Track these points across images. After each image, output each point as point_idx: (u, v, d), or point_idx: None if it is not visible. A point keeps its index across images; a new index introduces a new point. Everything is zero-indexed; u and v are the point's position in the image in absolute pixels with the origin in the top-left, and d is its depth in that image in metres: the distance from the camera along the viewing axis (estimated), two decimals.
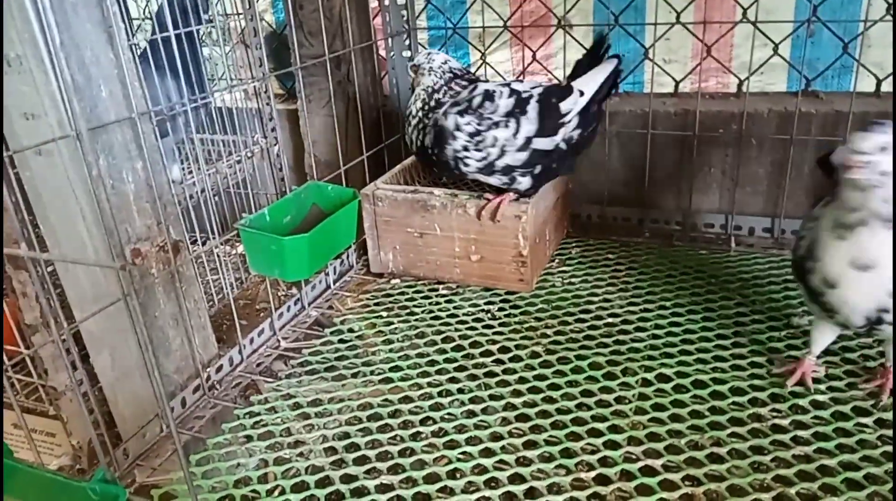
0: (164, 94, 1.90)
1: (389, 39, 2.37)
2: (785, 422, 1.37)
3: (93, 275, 1.37)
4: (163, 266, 1.45)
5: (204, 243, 1.86)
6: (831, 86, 2.17)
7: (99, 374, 1.50)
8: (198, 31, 1.97)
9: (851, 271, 1.22)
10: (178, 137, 2.01)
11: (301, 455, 1.38)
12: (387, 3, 2.32)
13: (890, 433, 1.33)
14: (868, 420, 1.36)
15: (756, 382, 1.49)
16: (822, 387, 1.46)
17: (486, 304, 1.89)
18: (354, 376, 1.62)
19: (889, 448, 1.29)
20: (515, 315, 1.82)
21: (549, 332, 1.73)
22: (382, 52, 2.48)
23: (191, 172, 1.96)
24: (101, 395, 1.51)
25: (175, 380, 1.53)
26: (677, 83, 2.29)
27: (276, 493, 1.29)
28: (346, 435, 1.42)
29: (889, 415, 1.37)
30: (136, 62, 1.46)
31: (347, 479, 1.31)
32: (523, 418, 1.44)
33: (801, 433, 1.34)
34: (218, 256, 2.07)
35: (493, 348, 1.68)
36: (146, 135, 1.39)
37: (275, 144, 1.96)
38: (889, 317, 1.23)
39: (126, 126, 1.36)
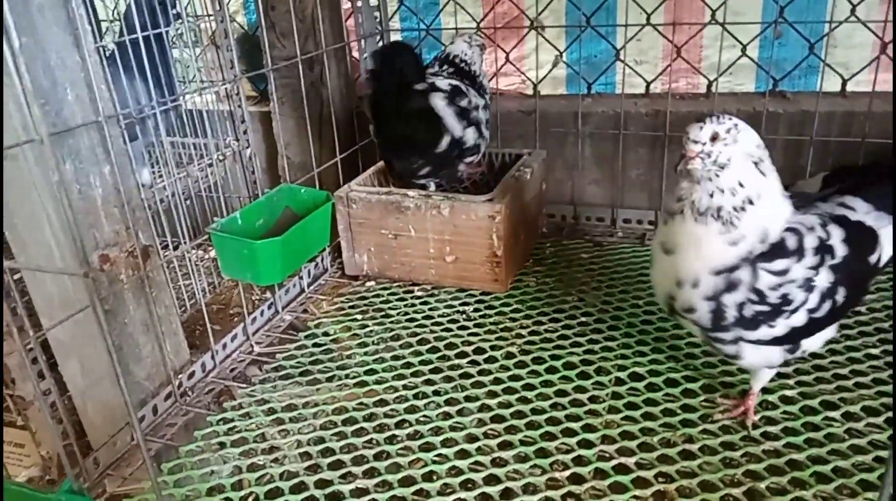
0: (133, 96, 1.88)
1: (362, 41, 2.36)
2: (755, 418, 1.39)
3: (60, 282, 1.35)
4: (132, 272, 1.43)
5: (176, 248, 1.83)
6: (798, 86, 2.21)
7: (68, 382, 1.47)
8: (166, 32, 1.95)
9: (660, 252, 1.27)
10: (148, 141, 1.99)
11: (275, 460, 1.37)
12: (359, 4, 2.32)
13: (858, 426, 1.36)
14: (836, 414, 1.39)
15: (727, 379, 1.51)
16: (791, 382, 1.48)
17: (460, 305, 1.89)
18: (329, 380, 1.61)
19: (856, 441, 1.32)
20: (490, 316, 1.83)
21: (523, 332, 1.74)
22: (356, 54, 2.47)
23: (161, 176, 1.93)
24: (70, 403, 1.49)
25: (146, 387, 1.51)
26: (648, 84, 2.31)
27: (250, 500, 1.28)
28: (321, 440, 1.41)
29: (857, 408, 1.40)
30: (103, 65, 1.44)
31: (322, 484, 1.30)
32: (498, 419, 1.44)
33: (770, 428, 1.36)
34: (191, 260, 2.05)
35: (469, 349, 1.68)
36: (114, 139, 1.37)
37: (247, 147, 1.94)
38: (678, 305, 1.25)
39: (93, 130, 1.34)
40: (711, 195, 1.17)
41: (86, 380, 1.45)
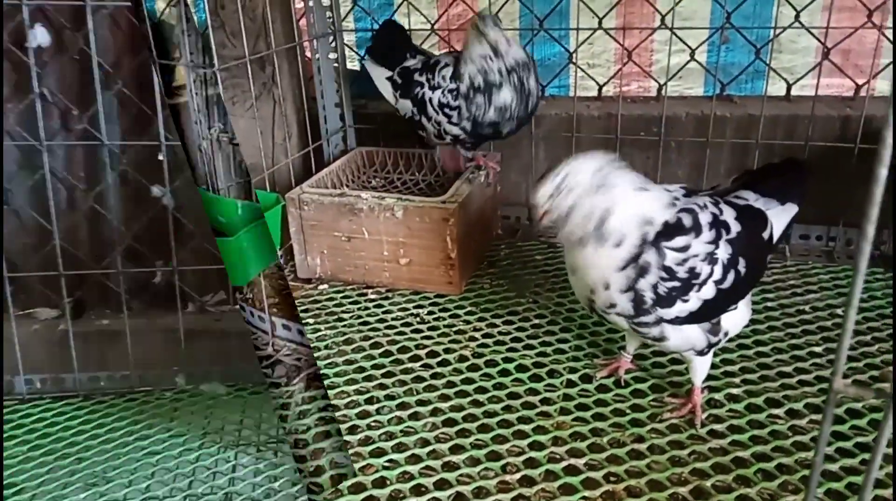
0: None
1: (315, 41, 2.33)
2: (703, 416, 1.41)
3: None
4: None
5: None
6: (745, 90, 2.26)
7: None
8: None
9: (569, 270, 1.36)
10: None
11: None
12: (311, 4, 2.28)
13: (801, 423, 1.39)
14: (780, 411, 1.42)
15: (675, 378, 1.53)
16: (737, 380, 1.51)
17: (415, 308, 1.88)
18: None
19: (800, 438, 1.35)
20: (444, 319, 1.82)
21: (477, 335, 1.74)
22: (309, 54, 2.43)
23: None
24: None
25: None
26: (600, 87, 2.34)
27: None
28: None
29: (800, 406, 1.43)
30: None
31: None
32: (450, 422, 1.44)
33: (716, 426, 1.38)
34: None
35: (422, 352, 1.67)
36: None
37: None
38: (598, 306, 1.31)
39: None
40: (571, 232, 1.26)
41: None
